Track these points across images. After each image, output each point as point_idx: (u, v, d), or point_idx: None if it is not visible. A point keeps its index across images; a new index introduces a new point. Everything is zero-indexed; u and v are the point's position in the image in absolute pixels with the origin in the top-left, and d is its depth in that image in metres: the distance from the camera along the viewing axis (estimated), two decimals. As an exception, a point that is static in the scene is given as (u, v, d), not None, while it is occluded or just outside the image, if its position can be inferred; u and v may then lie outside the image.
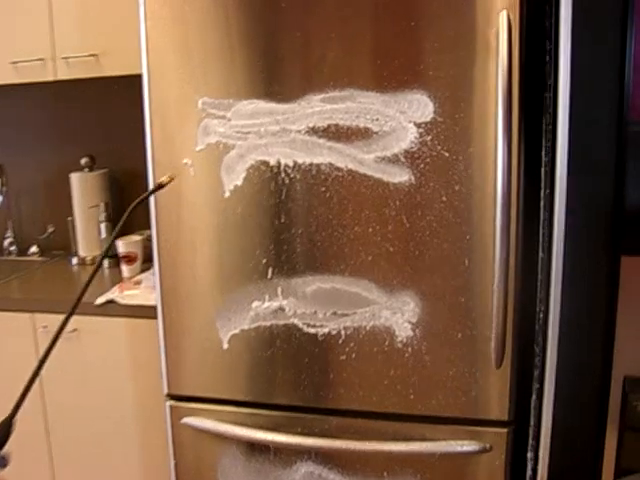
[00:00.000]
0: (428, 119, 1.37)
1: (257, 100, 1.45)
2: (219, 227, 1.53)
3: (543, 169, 1.36)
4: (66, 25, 2.00)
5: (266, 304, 1.52)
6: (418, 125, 1.38)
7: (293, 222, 1.48)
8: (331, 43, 1.40)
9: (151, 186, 1.56)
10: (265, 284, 1.52)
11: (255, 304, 1.53)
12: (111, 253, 2.21)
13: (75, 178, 2.30)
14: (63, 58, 2.00)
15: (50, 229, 2.46)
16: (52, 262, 2.41)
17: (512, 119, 1.32)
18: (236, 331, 1.56)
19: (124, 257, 2.10)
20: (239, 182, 1.49)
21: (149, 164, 1.55)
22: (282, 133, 1.44)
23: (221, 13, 1.45)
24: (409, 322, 1.46)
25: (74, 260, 2.34)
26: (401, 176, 1.41)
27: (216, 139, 1.48)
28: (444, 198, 1.40)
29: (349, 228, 1.46)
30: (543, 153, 1.35)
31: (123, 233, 2.17)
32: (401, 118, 1.38)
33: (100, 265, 1.06)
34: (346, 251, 1.47)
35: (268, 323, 1.54)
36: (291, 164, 1.45)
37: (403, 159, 1.40)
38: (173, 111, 1.51)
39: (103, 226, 2.23)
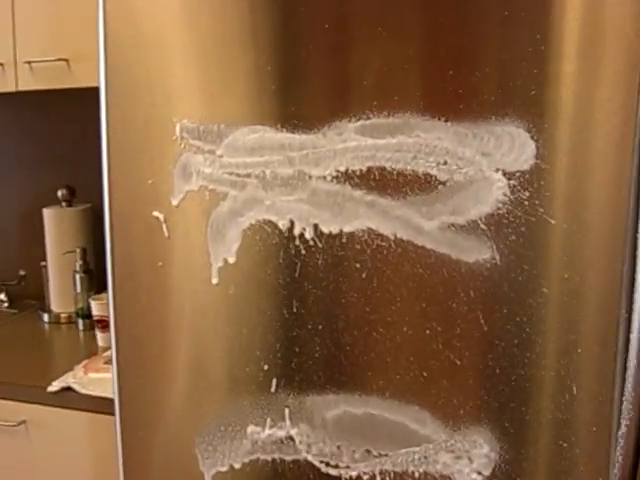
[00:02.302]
0: (526, 166, 0.87)
1: (262, 127, 0.97)
2: (202, 314, 1.05)
3: None
4: (31, 23, 1.55)
5: (267, 431, 1.03)
6: (510, 175, 0.87)
7: (311, 313, 0.99)
8: (376, 42, 0.90)
9: (108, 244, 1.08)
10: (267, 401, 1.03)
11: (251, 429, 1.04)
12: (88, 313, 1.74)
13: (49, 214, 1.85)
14: (26, 63, 1.54)
15: (21, 273, 2.00)
16: (21, 316, 1.96)
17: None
18: (223, 468, 1.07)
19: (98, 322, 1.63)
20: (231, 254, 1.00)
21: (105, 216, 1.07)
22: (298, 180, 0.95)
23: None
24: (479, 473, 0.95)
25: (45, 317, 1.87)
26: (480, 252, 0.90)
27: (200, 184, 1.00)
28: (545, 289, 0.89)
29: (395, 327, 0.96)
30: None
31: (102, 288, 1.71)
32: (483, 163, 0.88)
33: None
34: (389, 361, 0.97)
35: (269, 457, 1.04)
36: (310, 228, 0.96)
37: (484, 226, 0.89)
38: (139, 140, 1.03)
39: (78, 278, 1.75)
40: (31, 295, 2.03)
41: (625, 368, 0.88)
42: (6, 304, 2.03)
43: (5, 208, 2.08)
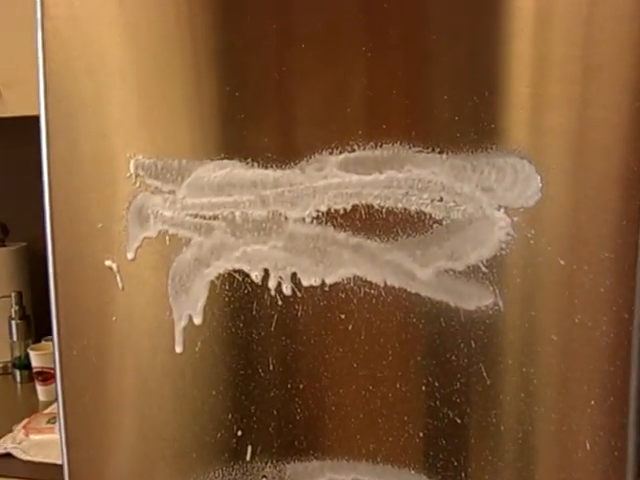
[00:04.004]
0: (532, 202, 0.77)
1: (230, 162, 0.85)
2: (163, 375, 0.91)
3: None
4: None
5: (243, 507, 0.90)
6: (514, 212, 0.78)
7: (290, 371, 0.88)
8: (360, 63, 0.80)
9: (53, 297, 0.94)
10: (241, 472, 0.91)
11: (223, 506, 0.91)
12: (26, 363, 1.58)
13: (-20, 255, 1.68)
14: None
15: (-49, 320, 1.83)
16: (-50, 367, 1.78)
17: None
18: None
19: (39, 374, 1.48)
20: (197, 310, 0.88)
21: (49, 264, 0.93)
22: (273, 223, 0.84)
23: (166, 11, 0.85)
24: None
25: (-22, 367, 1.71)
26: (481, 299, 0.81)
27: (158, 229, 0.88)
28: (554, 337, 0.80)
29: (386, 384, 0.85)
30: None
31: (43, 333, 1.56)
32: (483, 199, 0.78)
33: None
34: (380, 422, 0.86)
35: (246, 535, 0.91)
36: (287, 278, 0.84)
37: (486, 269, 0.80)
38: (88, 179, 0.90)
39: (14, 325, 1.60)
40: (-38, 343, 1.85)
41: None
42: None
43: None
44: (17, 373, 1.64)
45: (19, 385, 1.65)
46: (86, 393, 0.97)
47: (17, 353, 1.63)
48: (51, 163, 0.94)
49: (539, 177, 0.78)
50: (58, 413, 0.99)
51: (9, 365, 1.68)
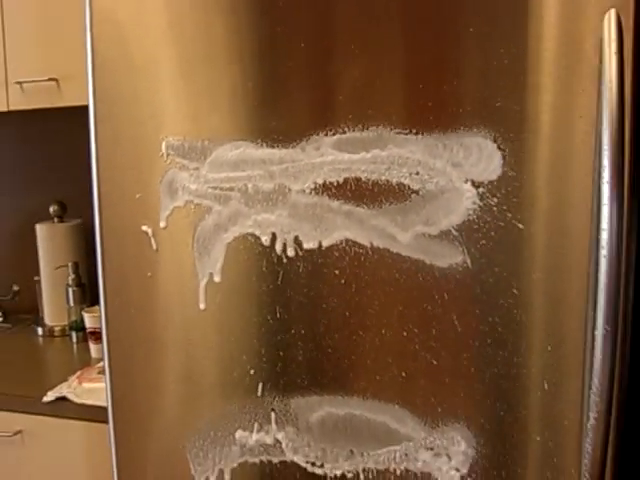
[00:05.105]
0: (494, 176, 0.92)
1: (243, 142, 1.01)
2: (190, 323, 1.09)
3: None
4: (21, 44, 1.60)
5: (255, 436, 1.07)
6: (479, 184, 0.92)
7: (293, 318, 1.03)
8: (350, 59, 0.95)
9: (99, 259, 1.12)
10: (254, 405, 1.07)
11: (240, 434, 1.08)
12: (81, 324, 1.77)
13: (41, 230, 1.88)
14: (17, 83, 1.58)
15: (15, 289, 2.03)
16: (15, 330, 1.99)
17: (623, 175, 0.85)
18: (214, 471, 1.11)
19: (91, 334, 1.67)
20: (217, 267, 1.04)
21: (96, 229, 1.11)
22: (279, 193, 1.00)
23: (196, 19, 1.01)
24: (457, 470, 0.99)
25: (39, 330, 1.90)
26: (452, 257, 0.95)
27: (185, 199, 1.04)
28: (515, 291, 0.94)
29: (373, 330, 1.00)
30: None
31: (95, 299, 1.74)
32: (453, 174, 0.93)
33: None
34: (369, 363, 1.01)
35: (257, 459, 1.08)
36: (291, 240, 1.00)
37: (456, 233, 0.94)
38: (127, 157, 1.07)
39: (70, 292, 1.79)
40: (25, 310, 2.05)
41: (592, 363, 0.91)
42: (0, 319, 2.05)
43: (-2, 224, 2.12)
44: (73, 334, 1.83)
45: (75, 345, 1.84)
46: (126, 339, 1.14)
47: (73, 317, 1.82)
48: (98, 146, 1.11)
49: (500, 154, 0.91)
50: (103, 357, 1.17)
51: (66, 328, 1.87)
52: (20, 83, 1.60)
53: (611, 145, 0.84)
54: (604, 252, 0.86)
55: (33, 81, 1.59)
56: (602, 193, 0.85)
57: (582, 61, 0.88)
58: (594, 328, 0.89)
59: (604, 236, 0.86)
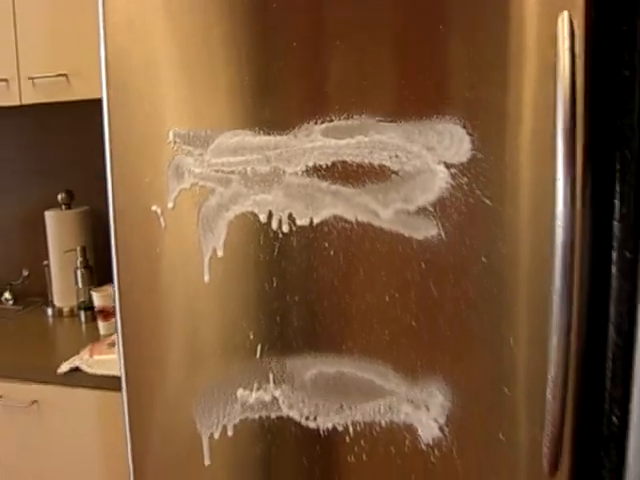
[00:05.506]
0: (464, 158, 1.04)
1: (242, 131, 1.13)
2: (195, 293, 1.21)
3: (617, 224, 1.02)
4: (32, 41, 1.71)
5: (254, 395, 1.19)
6: (450, 166, 1.04)
7: (288, 287, 1.16)
8: (336, 55, 1.08)
9: (113, 237, 1.24)
10: (253, 366, 1.19)
11: (241, 392, 1.20)
12: (89, 304, 1.90)
13: (50, 217, 2.01)
14: (29, 79, 1.70)
15: (25, 273, 2.15)
16: (25, 312, 2.11)
17: (576, 157, 0.98)
18: (218, 427, 1.23)
19: (100, 312, 1.79)
20: (219, 243, 1.16)
21: (110, 210, 1.23)
22: (274, 176, 1.12)
23: (197, 20, 1.13)
24: (436, 421, 1.12)
25: (49, 311, 2.03)
26: (428, 230, 1.07)
27: (191, 182, 1.17)
28: (484, 260, 1.06)
29: (359, 296, 1.12)
30: (617, 202, 1.01)
31: (102, 281, 1.87)
32: (428, 157, 1.05)
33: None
34: (355, 326, 1.14)
35: (257, 415, 1.21)
36: (286, 217, 1.12)
37: (431, 208, 1.07)
38: (138, 145, 1.20)
39: (79, 274, 1.91)
40: (34, 293, 2.18)
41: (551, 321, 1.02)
42: (11, 302, 2.17)
43: (9, 212, 2.23)
44: (82, 314, 1.95)
45: (83, 324, 1.96)
46: (138, 309, 1.26)
47: (82, 297, 1.94)
48: (112, 135, 1.23)
49: (469, 139, 1.04)
50: (116, 326, 1.29)
51: (75, 308, 2.00)
52: (32, 78, 1.72)
53: (564, 129, 0.97)
54: (559, 222, 0.99)
55: (44, 77, 1.71)
56: (557, 170, 0.97)
57: (540, 56, 1.00)
58: (552, 289, 1.01)
59: (559, 208, 0.98)
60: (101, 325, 1.81)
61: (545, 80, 1.00)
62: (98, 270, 1.95)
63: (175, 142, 1.17)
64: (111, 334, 1.78)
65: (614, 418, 1.03)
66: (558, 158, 0.98)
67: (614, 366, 1.04)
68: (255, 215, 1.15)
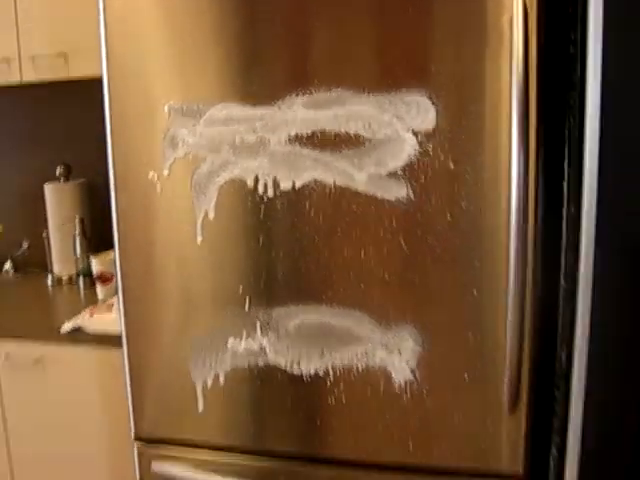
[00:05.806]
0: (430, 126, 1.16)
1: (230, 103, 1.25)
2: (189, 250, 1.32)
3: (566, 184, 1.14)
4: (32, 20, 1.81)
5: (243, 344, 1.32)
6: (417, 133, 1.16)
7: (273, 244, 1.28)
8: (315, 33, 1.20)
9: (114, 202, 1.36)
10: (242, 317, 1.32)
11: (231, 342, 1.33)
12: (88, 272, 2.01)
13: (49, 189, 2.11)
14: (29, 57, 1.80)
15: (25, 244, 2.26)
16: (26, 280, 2.22)
17: (529, 124, 1.11)
18: (210, 373, 1.35)
19: (99, 277, 1.90)
20: (211, 206, 1.28)
21: (110, 177, 1.35)
22: (260, 145, 1.23)
23: (190, 6, 1.24)
24: (407, 364, 1.24)
25: (49, 280, 2.14)
26: (398, 192, 1.20)
27: (185, 151, 1.28)
28: (449, 217, 1.19)
29: (337, 252, 1.25)
30: (566, 164, 1.14)
31: (99, 250, 1.98)
32: (398, 125, 1.17)
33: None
34: (334, 278, 1.26)
35: (246, 363, 1.33)
36: (271, 181, 1.24)
37: (400, 172, 1.19)
38: (136, 118, 1.31)
39: (78, 242, 2.03)
40: (34, 264, 2.28)
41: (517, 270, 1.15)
42: (12, 272, 2.28)
43: (8, 186, 2.33)
44: (80, 280, 2.06)
45: (82, 290, 2.08)
46: (137, 268, 1.38)
47: (80, 265, 2.05)
48: (112, 110, 1.33)
49: (434, 109, 1.16)
50: (116, 286, 1.40)
51: (74, 276, 2.11)
52: (32, 57, 1.81)
53: (519, 98, 1.09)
54: (514, 183, 1.11)
55: (44, 55, 1.80)
56: (512, 135, 1.10)
57: (498, 34, 1.12)
58: (510, 242, 1.14)
59: (514, 170, 1.11)
60: (100, 289, 1.93)
61: (503, 54, 1.12)
62: (95, 239, 2.06)
63: (170, 115, 1.28)
64: (109, 297, 1.90)
65: (563, 355, 1.16)
66: (513, 125, 1.10)
67: (564, 310, 1.16)
68: (243, 180, 1.26)
